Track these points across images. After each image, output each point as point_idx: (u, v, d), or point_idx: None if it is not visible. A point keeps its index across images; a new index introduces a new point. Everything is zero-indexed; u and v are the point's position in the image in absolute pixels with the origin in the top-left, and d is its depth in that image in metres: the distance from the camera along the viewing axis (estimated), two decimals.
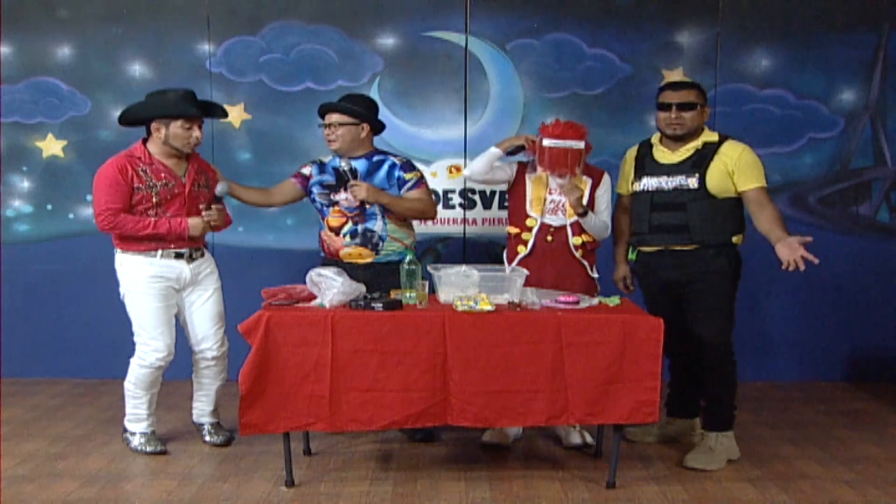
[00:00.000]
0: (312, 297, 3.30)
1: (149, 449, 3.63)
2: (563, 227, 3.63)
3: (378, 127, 3.80)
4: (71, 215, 4.87)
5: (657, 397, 3.13)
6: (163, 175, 3.50)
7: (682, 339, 3.51)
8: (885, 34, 4.84)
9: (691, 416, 3.82)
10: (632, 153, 3.72)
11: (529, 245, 3.65)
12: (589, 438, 3.73)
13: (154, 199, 3.47)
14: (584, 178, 3.66)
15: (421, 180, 3.77)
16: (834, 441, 3.90)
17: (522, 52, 4.80)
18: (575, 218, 3.62)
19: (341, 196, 3.69)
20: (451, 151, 4.61)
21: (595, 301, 3.38)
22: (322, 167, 3.79)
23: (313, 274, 3.26)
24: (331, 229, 3.72)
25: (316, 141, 4.83)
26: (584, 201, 3.60)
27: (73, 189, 4.85)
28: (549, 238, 3.63)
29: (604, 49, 4.80)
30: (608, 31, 4.79)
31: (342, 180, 3.68)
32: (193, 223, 3.51)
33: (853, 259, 4.95)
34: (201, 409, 3.84)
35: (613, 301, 3.40)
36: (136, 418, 3.66)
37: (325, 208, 3.74)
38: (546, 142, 3.53)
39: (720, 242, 3.47)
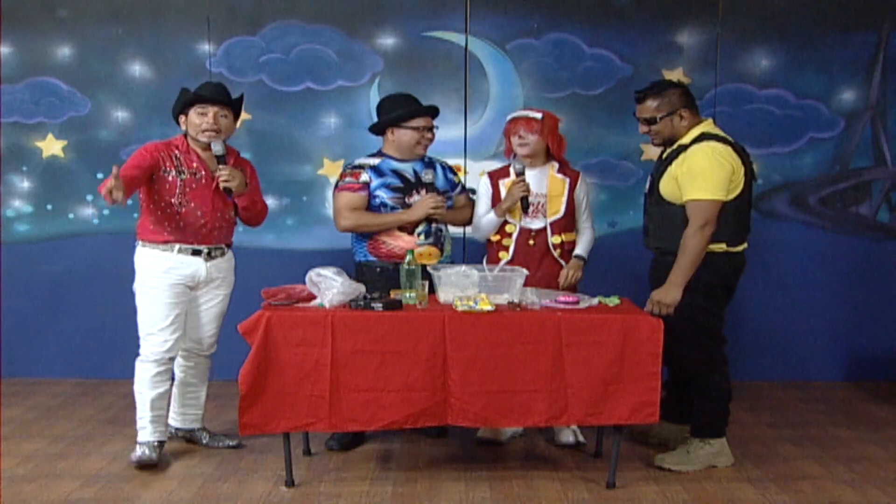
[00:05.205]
0: (312, 297, 3.30)
1: (139, 456, 3.38)
2: (543, 229, 3.66)
3: None
4: (71, 215, 4.87)
5: (658, 398, 3.13)
6: (195, 164, 3.45)
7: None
8: (885, 34, 4.84)
9: (685, 421, 3.78)
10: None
11: (511, 250, 3.67)
12: (581, 437, 3.73)
13: (178, 187, 3.40)
14: (561, 176, 3.69)
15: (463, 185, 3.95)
16: (834, 441, 3.90)
17: (522, 52, 4.80)
18: (554, 217, 3.64)
19: (415, 199, 3.64)
20: (451, 151, 4.61)
21: (595, 301, 3.38)
22: (377, 171, 3.67)
23: (313, 274, 3.26)
24: (400, 229, 3.65)
25: (316, 141, 4.84)
26: (564, 202, 3.63)
27: (73, 189, 4.85)
28: (532, 242, 3.66)
29: (604, 49, 4.80)
30: (608, 31, 4.79)
31: (412, 183, 3.67)
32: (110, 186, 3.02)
33: (853, 259, 4.95)
34: (194, 413, 3.69)
35: (613, 301, 3.40)
36: (140, 424, 3.44)
37: (391, 210, 3.65)
38: (508, 116, 3.72)
39: (676, 250, 3.29)
